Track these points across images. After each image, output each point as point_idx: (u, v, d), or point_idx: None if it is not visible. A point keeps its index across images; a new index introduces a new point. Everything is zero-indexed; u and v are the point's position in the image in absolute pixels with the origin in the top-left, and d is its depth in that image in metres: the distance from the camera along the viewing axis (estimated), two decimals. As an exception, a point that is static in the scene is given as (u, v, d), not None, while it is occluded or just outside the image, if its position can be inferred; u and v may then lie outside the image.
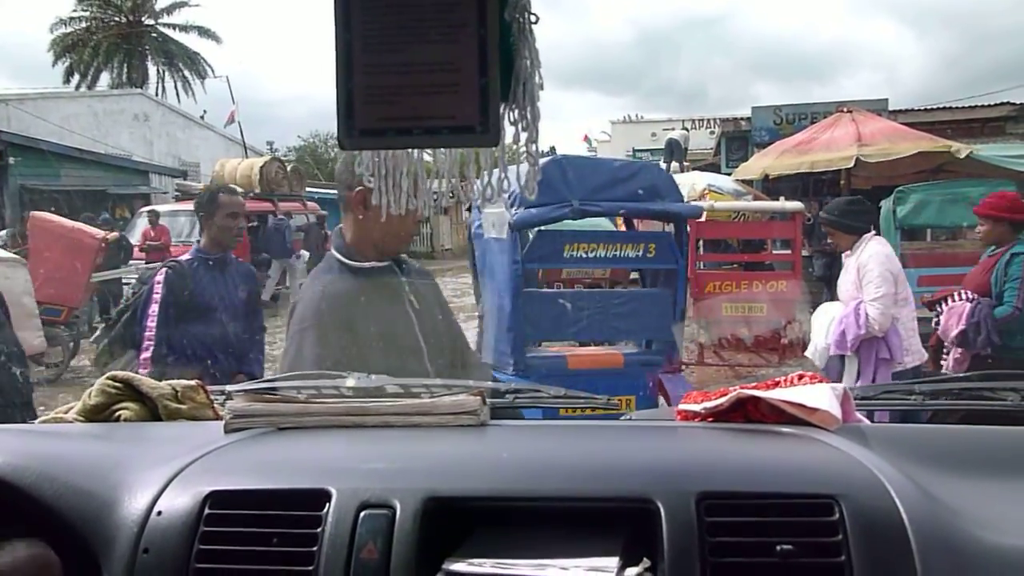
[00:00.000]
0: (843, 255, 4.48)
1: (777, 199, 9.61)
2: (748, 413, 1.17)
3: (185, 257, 3.52)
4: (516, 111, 0.86)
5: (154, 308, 3.27)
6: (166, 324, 3.25)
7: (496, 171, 0.91)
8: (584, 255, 4.68)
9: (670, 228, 4.94)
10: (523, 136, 0.87)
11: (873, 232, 4.38)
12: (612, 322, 4.61)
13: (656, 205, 4.64)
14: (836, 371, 4.35)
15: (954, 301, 4.40)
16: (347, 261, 2.08)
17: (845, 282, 4.41)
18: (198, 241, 3.62)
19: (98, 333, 3.82)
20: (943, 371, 4.58)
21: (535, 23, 0.85)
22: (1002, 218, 4.41)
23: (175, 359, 3.21)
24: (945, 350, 4.54)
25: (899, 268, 4.32)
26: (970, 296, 4.37)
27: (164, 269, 3.40)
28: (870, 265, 4.21)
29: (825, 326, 4.40)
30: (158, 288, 3.31)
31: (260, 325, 3.79)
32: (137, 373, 3.17)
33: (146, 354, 3.22)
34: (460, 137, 0.85)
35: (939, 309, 4.55)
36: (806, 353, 4.72)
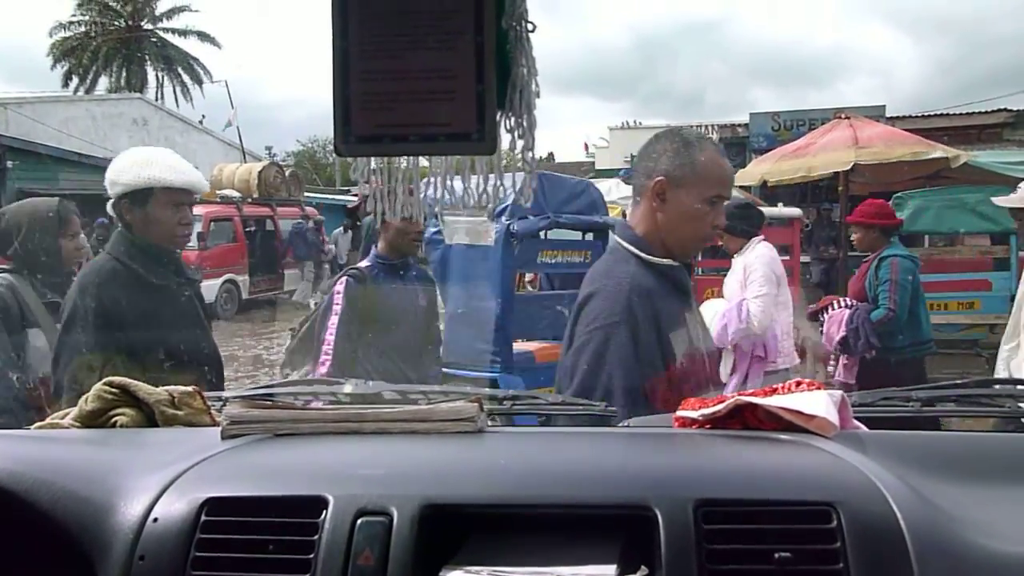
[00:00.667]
0: (733, 256, 4.57)
1: (775, 205, 9.62)
2: (746, 420, 1.17)
3: (364, 264, 3.38)
4: (513, 119, 0.86)
5: (334, 320, 3.12)
6: (347, 336, 3.09)
7: (492, 178, 0.91)
8: (550, 260, 5.41)
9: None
10: (519, 143, 0.88)
11: (762, 237, 4.48)
12: (563, 320, 4.90)
13: (597, 218, 5.51)
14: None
15: (834, 309, 4.60)
16: (645, 256, 1.91)
17: (731, 281, 4.51)
18: (375, 245, 3.41)
19: (290, 342, 3.68)
20: (832, 378, 4.76)
21: (532, 31, 0.86)
22: (873, 224, 4.59)
23: (354, 373, 3.02)
24: (833, 357, 4.70)
25: (782, 272, 4.46)
26: (849, 303, 4.56)
27: (345, 278, 3.25)
28: (755, 265, 4.32)
29: (709, 320, 4.47)
30: (338, 299, 3.16)
31: (438, 335, 3.66)
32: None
33: (323, 368, 3.08)
34: (456, 144, 0.85)
35: (821, 318, 4.74)
36: None
